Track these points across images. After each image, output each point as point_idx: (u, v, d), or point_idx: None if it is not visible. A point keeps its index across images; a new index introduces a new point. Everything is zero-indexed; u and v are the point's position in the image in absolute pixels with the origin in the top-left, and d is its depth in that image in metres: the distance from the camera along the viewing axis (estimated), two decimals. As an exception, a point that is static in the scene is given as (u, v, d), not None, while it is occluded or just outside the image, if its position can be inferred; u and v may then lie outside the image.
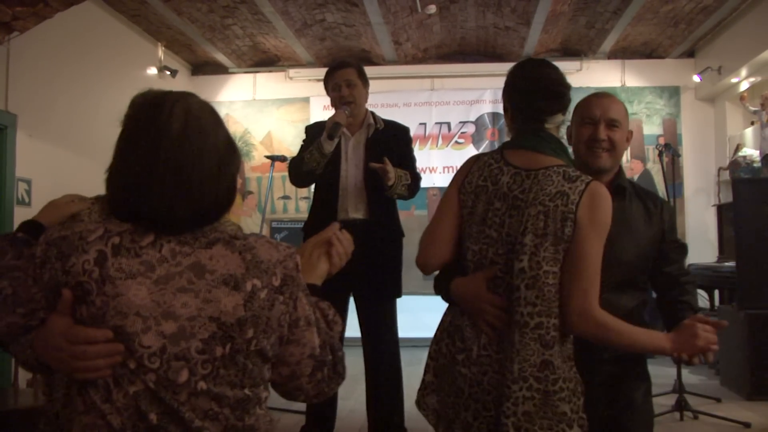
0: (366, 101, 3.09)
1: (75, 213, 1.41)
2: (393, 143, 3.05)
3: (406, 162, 3.04)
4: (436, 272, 1.70)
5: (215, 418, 1.03)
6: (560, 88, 1.56)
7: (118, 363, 0.99)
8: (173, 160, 1.03)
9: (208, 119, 1.09)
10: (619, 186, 1.86)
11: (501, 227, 1.50)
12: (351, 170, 3.01)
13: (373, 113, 3.13)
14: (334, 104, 3.04)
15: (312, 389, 1.16)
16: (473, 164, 1.62)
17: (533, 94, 1.56)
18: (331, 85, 3.03)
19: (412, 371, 4.75)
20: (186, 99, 1.09)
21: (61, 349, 0.99)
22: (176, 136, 1.04)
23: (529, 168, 1.51)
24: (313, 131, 3.05)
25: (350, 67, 3.05)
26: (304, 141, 3.08)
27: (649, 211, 1.88)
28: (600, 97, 1.87)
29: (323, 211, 3.01)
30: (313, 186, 3.17)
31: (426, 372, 1.72)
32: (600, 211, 1.46)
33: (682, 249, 1.94)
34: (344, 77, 3.00)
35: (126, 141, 1.06)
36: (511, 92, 1.61)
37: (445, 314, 1.67)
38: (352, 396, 3.96)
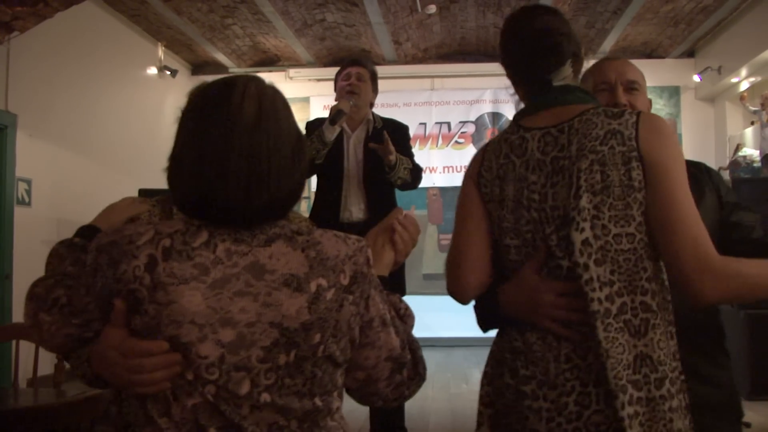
0: (370, 102, 3.10)
1: (134, 216, 1.34)
2: (391, 139, 3.07)
3: (405, 156, 3.05)
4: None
5: None
6: (554, 38, 1.26)
7: (177, 374, 0.91)
8: (249, 147, 0.94)
9: (282, 103, 1.01)
10: None
11: (544, 202, 1.18)
12: (353, 168, 3.02)
13: (373, 112, 3.14)
14: (339, 93, 3.05)
15: (391, 393, 1.07)
16: (484, 153, 1.33)
17: (525, 55, 1.28)
18: (342, 75, 3.05)
19: (412, 371, 4.76)
20: (257, 81, 1.00)
21: (116, 364, 0.93)
22: (252, 121, 0.95)
23: (558, 123, 1.21)
24: (314, 126, 3.06)
25: (365, 67, 3.08)
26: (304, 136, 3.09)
27: (696, 178, 1.52)
28: (612, 60, 1.61)
29: (325, 209, 3.02)
30: (314, 185, 3.18)
31: (479, 426, 1.29)
32: (669, 140, 1.15)
33: (750, 211, 1.59)
34: (357, 71, 3.02)
35: (193, 128, 0.97)
36: (505, 61, 1.34)
37: (493, 344, 1.30)
38: (352, 396, 3.97)
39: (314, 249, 0.97)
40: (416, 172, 3.07)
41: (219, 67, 6.54)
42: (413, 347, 1.10)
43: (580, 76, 1.35)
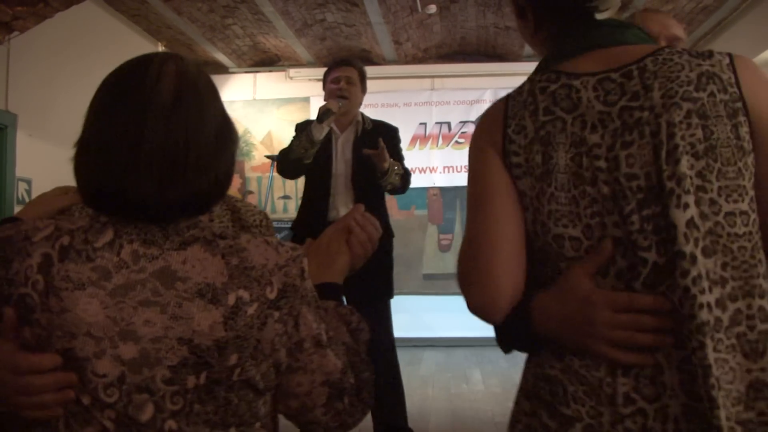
0: (359, 104, 3.11)
1: (66, 207, 1.22)
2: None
3: (395, 159, 3.05)
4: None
5: None
6: None
7: (70, 399, 0.78)
8: (164, 132, 0.82)
9: (205, 83, 0.89)
10: None
11: (615, 171, 0.83)
12: (340, 168, 3.03)
13: (362, 113, 3.14)
14: (328, 95, 3.06)
15: (331, 421, 0.92)
16: (506, 108, 0.94)
17: None
18: (331, 78, 3.06)
19: (412, 371, 4.78)
20: (177, 59, 0.88)
21: (5, 383, 0.78)
22: (168, 103, 0.83)
23: (620, 65, 0.87)
24: (303, 127, 3.07)
25: (354, 67, 3.08)
26: (294, 137, 3.10)
27: None
28: (653, 12, 1.43)
29: (313, 209, 3.03)
30: (304, 185, 3.18)
31: None
32: None
33: None
34: (346, 73, 3.03)
35: (101, 110, 0.85)
36: None
37: (524, 373, 0.95)
38: (352, 396, 3.96)
39: (237, 256, 0.84)
40: (406, 177, 3.07)
41: (219, 67, 6.53)
42: (359, 370, 0.94)
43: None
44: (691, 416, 0.75)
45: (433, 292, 6.12)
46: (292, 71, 6.49)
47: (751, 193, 0.81)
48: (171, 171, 0.82)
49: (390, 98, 6.16)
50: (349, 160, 3.04)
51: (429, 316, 5.89)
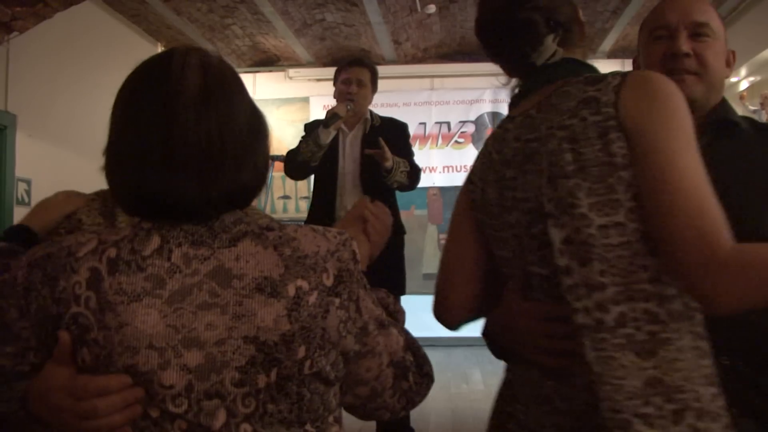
0: (369, 104, 3.10)
1: (71, 213, 1.21)
2: (390, 138, 3.05)
3: (404, 155, 3.04)
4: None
5: None
6: (519, 13, 1.00)
7: (138, 415, 0.76)
8: (196, 125, 0.78)
9: (231, 74, 0.85)
10: (725, 121, 1.18)
11: (523, 196, 0.95)
12: (348, 166, 3.01)
13: (371, 111, 3.13)
14: (338, 97, 3.04)
15: (398, 402, 0.90)
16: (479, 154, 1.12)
17: (494, 40, 1.05)
18: (342, 78, 3.03)
19: (412, 371, 4.77)
20: (199, 50, 0.84)
21: (64, 409, 0.76)
22: (196, 94, 0.79)
23: (537, 103, 0.99)
24: (312, 128, 3.05)
25: (367, 68, 3.06)
26: (302, 138, 3.09)
27: None
28: None
29: (322, 208, 3.02)
30: (313, 184, 3.18)
31: None
32: (663, 102, 0.85)
33: None
34: (358, 75, 3.01)
35: (128, 111, 0.81)
36: (483, 48, 1.09)
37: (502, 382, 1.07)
38: (352, 396, 3.96)
39: (289, 246, 0.81)
40: (414, 173, 3.05)
41: (219, 67, 6.54)
42: (414, 346, 0.95)
43: (587, 38, 1.09)
44: (592, 412, 0.82)
45: (433, 292, 6.12)
46: (292, 71, 6.49)
47: (629, 204, 0.84)
48: (208, 166, 0.79)
49: (389, 98, 6.16)
50: (357, 158, 3.02)
51: (429, 315, 5.82)
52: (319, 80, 6.40)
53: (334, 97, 3.08)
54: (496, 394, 1.06)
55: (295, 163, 2.99)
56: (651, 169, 0.83)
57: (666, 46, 1.17)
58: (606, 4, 5.24)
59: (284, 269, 0.80)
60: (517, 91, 1.07)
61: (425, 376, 0.94)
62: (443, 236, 6.23)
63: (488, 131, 6.34)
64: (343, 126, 3.01)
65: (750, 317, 0.91)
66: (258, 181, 0.85)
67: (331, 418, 0.85)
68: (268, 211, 5.91)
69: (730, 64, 1.22)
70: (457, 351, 5.74)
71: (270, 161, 3.81)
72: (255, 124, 0.85)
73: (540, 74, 1.02)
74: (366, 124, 3.07)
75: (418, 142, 6.22)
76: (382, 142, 2.84)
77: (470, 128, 6.37)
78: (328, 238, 0.85)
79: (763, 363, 1.00)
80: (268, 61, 6.54)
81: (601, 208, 0.85)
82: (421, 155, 6.15)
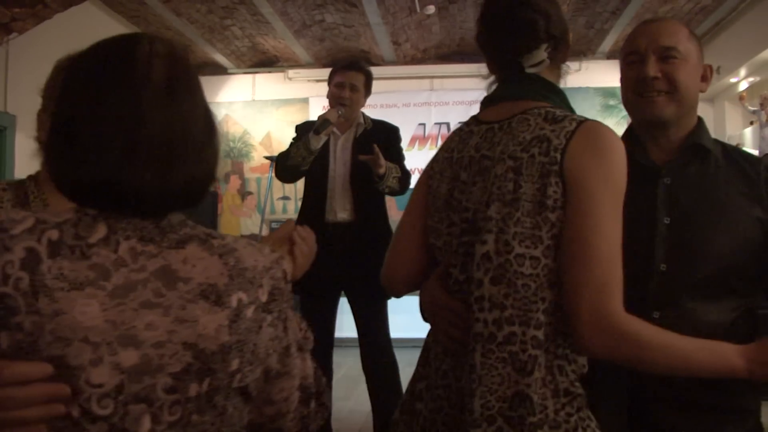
0: (362, 107, 3.10)
1: None
2: (381, 142, 3.05)
3: (395, 160, 3.04)
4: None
5: None
6: (526, 13, 1.06)
7: (59, 414, 0.69)
8: (162, 115, 0.76)
9: (194, 67, 0.84)
10: (696, 146, 1.26)
11: (467, 205, 1.05)
12: (339, 169, 3.01)
13: (363, 113, 3.13)
14: (330, 99, 3.05)
15: (294, 426, 0.90)
16: (446, 139, 1.20)
17: (492, 31, 1.11)
18: (335, 81, 3.03)
19: (412, 372, 4.77)
20: (165, 40, 0.82)
21: None
22: (163, 85, 0.77)
23: (503, 119, 1.07)
24: (303, 129, 3.06)
25: (361, 72, 3.05)
26: (293, 139, 3.09)
27: (750, 180, 1.22)
28: (648, 22, 1.31)
29: (312, 210, 3.02)
30: (304, 186, 3.18)
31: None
32: (605, 158, 0.96)
33: None
34: (351, 79, 2.99)
35: (87, 92, 0.77)
36: (477, 39, 1.16)
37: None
38: (352, 396, 3.96)
39: (232, 256, 0.80)
40: (405, 179, 3.05)
41: (218, 68, 6.54)
42: (317, 374, 0.94)
43: (566, 68, 1.17)
44: (470, 398, 0.96)
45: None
46: (291, 72, 6.50)
47: (548, 242, 0.95)
48: (170, 160, 0.77)
49: (389, 99, 6.16)
50: (348, 161, 3.02)
51: (428, 316, 5.88)
52: (318, 81, 6.40)
53: (327, 98, 3.08)
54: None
55: (286, 167, 2.99)
56: (577, 222, 0.93)
57: (637, 71, 1.26)
58: (605, 5, 5.25)
59: (228, 279, 0.78)
60: (492, 91, 1.15)
61: (322, 405, 0.94)
62: (443, 237, 6.24)
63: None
64: (334, 129, 3.02)
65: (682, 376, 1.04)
66: (210, 177, 0.84)
67: None
68: (268, 211, 5.92)
69: (707, 78, 1.31)
70: (456, 352, 5.73)
71: (270, 162, 3.79)
72: (211, 123, 0.84)
73: (516, 83, 1.10)
74: (358, 127, 3.07)
75: (417, 142, 6.23)
76: (377, 149, 2.84)
77: (470, 129, 6.37)
78: (264, 254, 0.84)
79: (691, 416, 1.13)
80: (267, 62, 6.55)
81: (523, 240, 0.96)
82: (420, 156, 6.18)
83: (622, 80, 1.32)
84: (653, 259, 1.19)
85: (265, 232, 5.63)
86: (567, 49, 1.12)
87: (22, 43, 4.10)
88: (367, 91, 3.08)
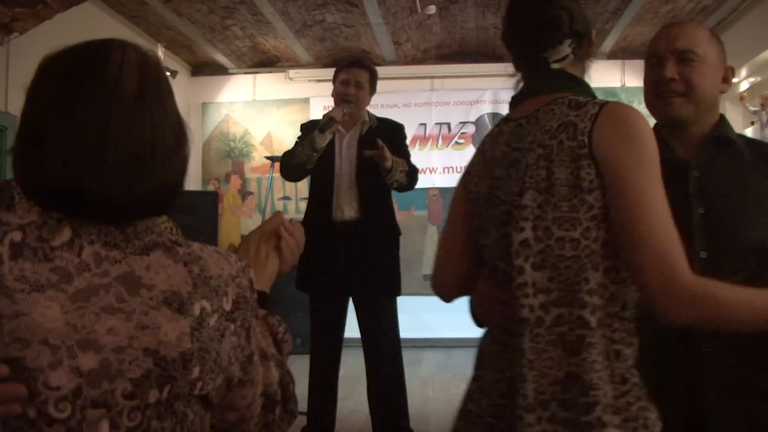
0: (366, 105, 3.10)
1: None
2: (386, 139, 3.05)
3: (401, 156, 3.04)
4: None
5: None
6: (550, 10, 1.11)
7: (16, 414, 0.69)
8: (130, 124, 0.77)
9: (165, 76, 0.85)
10: (721, 138, 1.32)
11: (503, 198, 1.09)
12: (345, 167, 3.01)
13: (367, 111, 3.12)
14: (335, 97, 3.04)
15: None
16: (480, 142, 1.24)
17: (517, 27, 1.15)
18: (340, 78, 3.02)
19: (412, 372, 4.77)
20: (137, 48, 0.83)
21: None
22: (133, 93, 0.78)
23: (529, 114, 1.11)
24: (308, 128, 3.05)
25: (366, 70, 3.05)
26: (298, 138, 3.09)
27: None
28: (669, 26, 1.38)
29: (318, 209, 3.02)
30: (309, 184, 3.18)
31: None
32: (632, 136, 0.98)
33: None
34: (356, 77, 2.99)
35: (57, 97, 0.78)
36: (503, 36, 1.20)
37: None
38: (352, 396, 3.96)
39: (197, 264, 0.81)
40: (412, 173, 3.04)
41: (219, 68, 6.54)
42: (284, 382, 0.94)
43: (590, 63, 1.21)
44: (522, 384, 0.98)
45: (433, 293, 6.11)
46: (292, 72, 6.49)
47: (586, 224, 0.98)
48: (137, 168, 0.78)
49: (390, 99, 6.16)
50: (354, 159, 3.02)
51: (429, 316, 5.88)
52: (319, 81, 6.40)
53: (332, 96, 3.08)
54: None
55: (291, 166, 2.99)
56: (622, 204, 0.95)
57: (656, 73, 1.32)
58: (606, 5, 5.24)
59: (192, 287, 0.79)
60: (519, 89, 1.18)
61: (288, 412, 0.95)
62: (443, 237, 6.23)
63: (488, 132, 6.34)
64: (339, 127, 3.02)
65: None
66: (178, 185, 0.84)
67: None
68: (268, 211, 5.91)
69: (728, 80, 1.35)
70: (457, 352, 5.73)
71: (271, 162, 3.80)
72: (181, 128, 0.85)
73: (542, 78, 1.12)
74: (363, 125, 3.07)
75: (418, 143, 6.23)
76: (381, 143, 2.84)
77: (470, 129, 6.37)
78: (230, 262, 0.85)
79: (740, 351, 1.14)
80: (268, 62, 6.55)
81: (562, 224, 0.99)
82: (421, 156, 6.18)
83: (644, 82, 1.39)
84: (693, 247, 1.19)
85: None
86: (591, 45, 1.16)
87: (23, 43, 4.10)
88: (372, 88, 3.08)
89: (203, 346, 0.78)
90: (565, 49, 1.12)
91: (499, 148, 1.12)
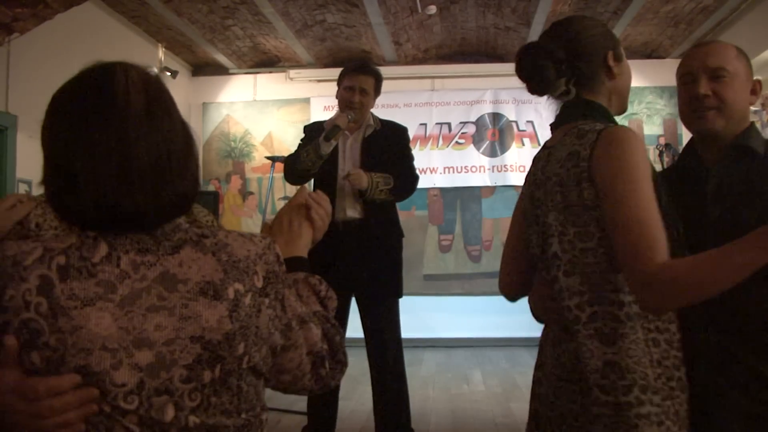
0: (371, 108, 3.09)
1: (23, 218, 1.17)
2: (389, 142, 3.05)
3: (403, 161, 3.04)
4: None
5: None
6: (537, 60, 1.26)
7: (94, 412, 0.81)
8: (146, 139, 0.86)
9: (166, 91, 0.93)
10: (741, 145, 1.41)
11: (540, 217, 1.27)
12: (348, 169, 3.01)
13: (372, 114, 3.13)
14: (340, 102, 3.03)
15: (315, 385, 1.02)
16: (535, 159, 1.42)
17: (520, 77, 1.31)
18: (345, 84, 3.02)
19: (413, 372, 4.78)
20: (137, 67, 0.92)
21: (16, 411, 0.79)
22: (143, 111, 0.87)
23: (555, 143, 1.28)
24: (312, 130, 3.05)
25: (371, 76, 3.05)
26: (302, 140, 3.09)
27: None
28: (699, 45, 1.49)
29: None
30: (312, 185, 3.18)
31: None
32: (617, 153, 1.13)
33: None
34: (362, 84, 2.99)
35: (75, 128, 0.85)
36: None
37: None
38: (353, 396, 3.96)
39: (225, 252, 0.89)
40: (405, 184, 3.05)
41: (219, 68, 6.54)
42: (330, 335, 1.04)
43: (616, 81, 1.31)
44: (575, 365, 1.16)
45: (434, 293, 6.11)
46: (293, 72, 6.50)
47: (599, 234, 1.15)
48: (160, 179, 0.86)
49: (390, 99, 6.16)
50: (357, 161, 3.03)
51: (429, 316, 5.88)
52: (319, 81, 6.40)
53: (336, 98, 3.07)
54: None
55: (295, 170, 2.99)
56: (607, 212, 1.11)
57: (690, 90, 1.43)
58: (606, 5, 5.24)
59: (223, 274, 0.87)
60: (554, 117, 1.35)
61: (338, 363, 1.04)
62: (444, 237, 6.23)
63: (489, 132, 6.35)
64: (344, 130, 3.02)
65: (735, 300, 1.15)
66: (195, 188, 0.93)
67: (259, 408, 0.94)
68: (269, 211, 5.92)
69: (757, 92, 1.47)
70: (457, 352, 5.74)
71: (271, 163, 3.79)
72: (189, 135, 0.93)
73: (563, 110, 1.30)
74: (367, 128, 3.07)
75: (418, 143, 6.23)
76: (350, 171, 2.88)
77: (471, 129, 6.37)
78: (255, 242, 0.93)
79: (747, 340, 1.23)
80: (268, 62, 6.55)
81: (581, 237, 1.17)
82: (421, 156, 6.18)
83: (679, 98, 1.50)
84: (707, 248, 1.24)
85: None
86: (607, 68, 1.28)
87: (24, 44, 4.10)
88: (377, 92, 3.08)
89: (243, 324, 0.87)
90: (560, 88, 1.27)
91: (537, 173, 1.29)
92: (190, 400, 0.84)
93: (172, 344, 0.83)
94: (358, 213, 2.99)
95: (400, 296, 3.09)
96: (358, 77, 3.00)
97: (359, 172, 2.89)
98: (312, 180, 3.14)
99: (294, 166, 2.97)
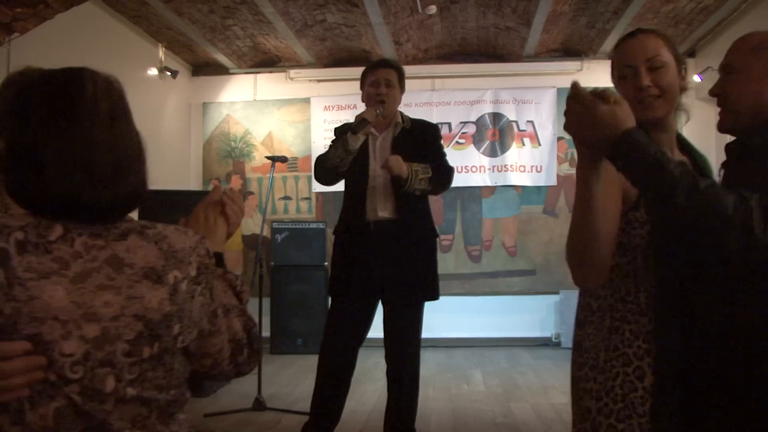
0: (398, 104, 3.06)
1: None
2: (420, 140, 3.00)
3: (434, 157, 2.99)
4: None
5: (143, 426, 0.95)
6: None
7: (39, 379, 0.87)
8: (110, 141, 0.96)
9: (124, 96, 1.04)
10: (742, 143, 1.53)
11: None
12: (379, 169, 2.96)
13: (401, 112, 3.09)
14: (366, 100, 3.00)
15: (233, 370, 1.12)
16: None
17: None
18: (369, 80, 2.99)
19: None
20: (102, 74, 1.02)
21: None
22: (108, 117, 0.97)
23: None
24: (342, 132, 3.01)
25: (393, 68, 3.02)
26: (332, 142, 3.03)
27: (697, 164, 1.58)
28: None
29: (352, 211, 2.98)
30: (326, 188, 3.15)
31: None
32: None
33: None
34: (386, 76, 2.97)
35: (47, 126, 0.94)
36: None
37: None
38: (354, 396, 3.96)
39: (165, 242, 1.00)
40: (441, 176, 2.98)
41: (219, 68, 6.54)
42: (248, 326, 1.14)
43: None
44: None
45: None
46: (293, 72, 6.50)
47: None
48: (118, 176, 0.97)
49: (390, 99, 6.15)
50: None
51: (430, 316, 5.86)
52: (320, 81, 6.41)
53: (363, 101, 3.02)
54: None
55: (325, 169, 2.93)
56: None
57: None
58: (606, 5, 5.24)
59: (164, 261, 0.98)
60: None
61: (255, 352, 1.14)
62: (444, 237, 6.22)
63: (489, 132, 6.35)
64: (372, 129, 2.96)
65: (727, 307, 1.23)
66: (145, 186, 1.03)
67: (184, 387, 1.04)
68: (269, 211, 5.92)
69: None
70: (458, 352, 5.73)
71: (271, 163, 3.76)
72: (140, 137, 1.04)
73: None
74: (396, 127, 3.03)
75: (418, 142, 6.22)
76: (387, 161, 2.82)
77: (471, 129, 6.37)
78: (189, 236, 1.04)
79: (746, 346, 1.20)
80: (268, 62, 6.55)
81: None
82: (421, 156, 6.18)
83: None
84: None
85: (266, 232, 5.62)
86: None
87: (24, 43, 4.10)
88: (402, 87, 3.04)
89: (180, 307, 0.98)
90: None
91: None
92: (129, 373, 0.93)
93: (117, 320, 0.92)
94: (389, 213, 2.93)
95: (437, 298, 3.03)
96: (381, 71, 2.98)
97: (398, 157, 2.82)
98: (343, 182, 3.09)
99: (324, 165, 2.92)
